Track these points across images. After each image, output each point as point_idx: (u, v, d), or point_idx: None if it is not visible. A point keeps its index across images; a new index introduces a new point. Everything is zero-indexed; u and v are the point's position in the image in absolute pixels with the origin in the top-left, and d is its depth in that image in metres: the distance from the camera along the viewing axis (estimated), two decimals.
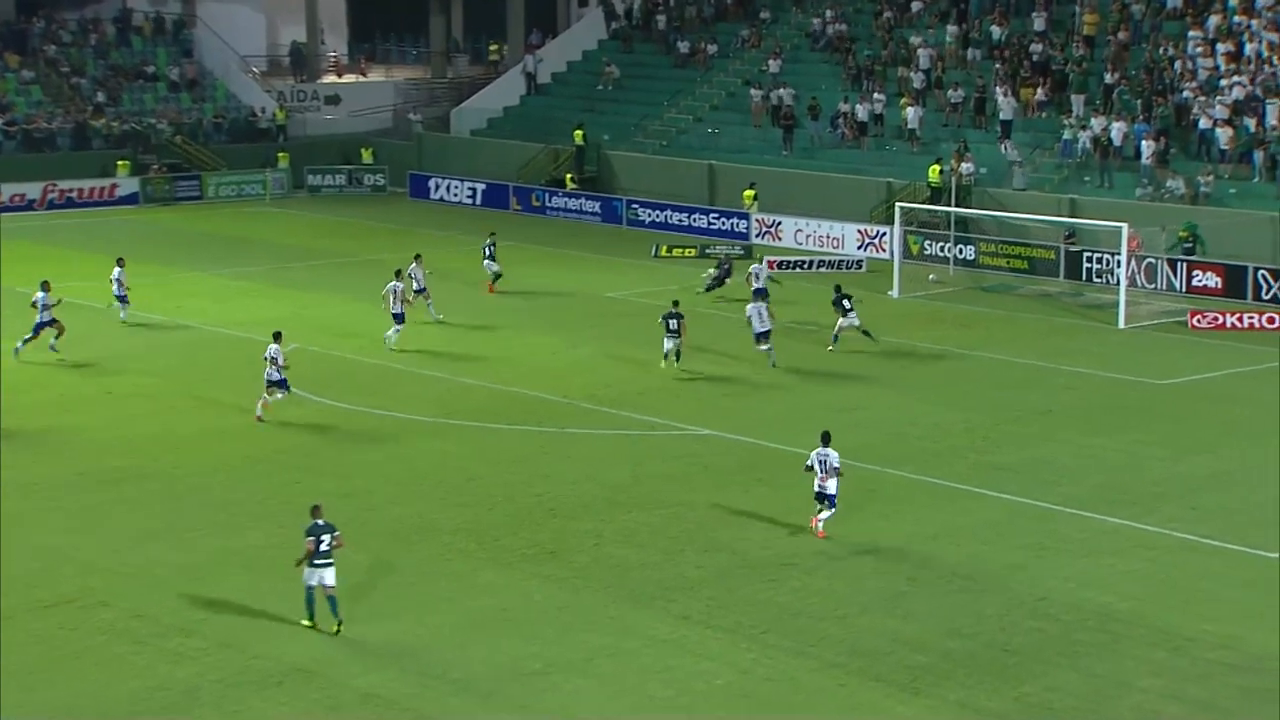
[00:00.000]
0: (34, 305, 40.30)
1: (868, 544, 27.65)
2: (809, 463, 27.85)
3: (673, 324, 39.14)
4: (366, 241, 60.68)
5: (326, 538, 23.77)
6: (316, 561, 23.74)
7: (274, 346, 35.24)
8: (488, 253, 50.00)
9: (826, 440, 27.91)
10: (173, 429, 34.76)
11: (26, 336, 40.35)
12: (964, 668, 22.78)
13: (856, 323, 41.72)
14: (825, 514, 27.81)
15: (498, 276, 49.88)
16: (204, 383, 38.79)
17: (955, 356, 42.35)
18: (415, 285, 43.65)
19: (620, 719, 21.33)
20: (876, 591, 25.60)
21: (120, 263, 45.12)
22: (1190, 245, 50.51)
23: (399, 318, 41.76)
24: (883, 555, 27.15)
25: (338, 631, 23.72)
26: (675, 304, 40.21)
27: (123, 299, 44.63)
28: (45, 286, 40.29)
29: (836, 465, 27.64)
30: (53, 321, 40.05)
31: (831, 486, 27.69)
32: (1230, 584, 26.13)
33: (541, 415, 36.03)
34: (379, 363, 40.95)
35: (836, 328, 41.90)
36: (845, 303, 41.64)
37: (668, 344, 39.35)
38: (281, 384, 35.06)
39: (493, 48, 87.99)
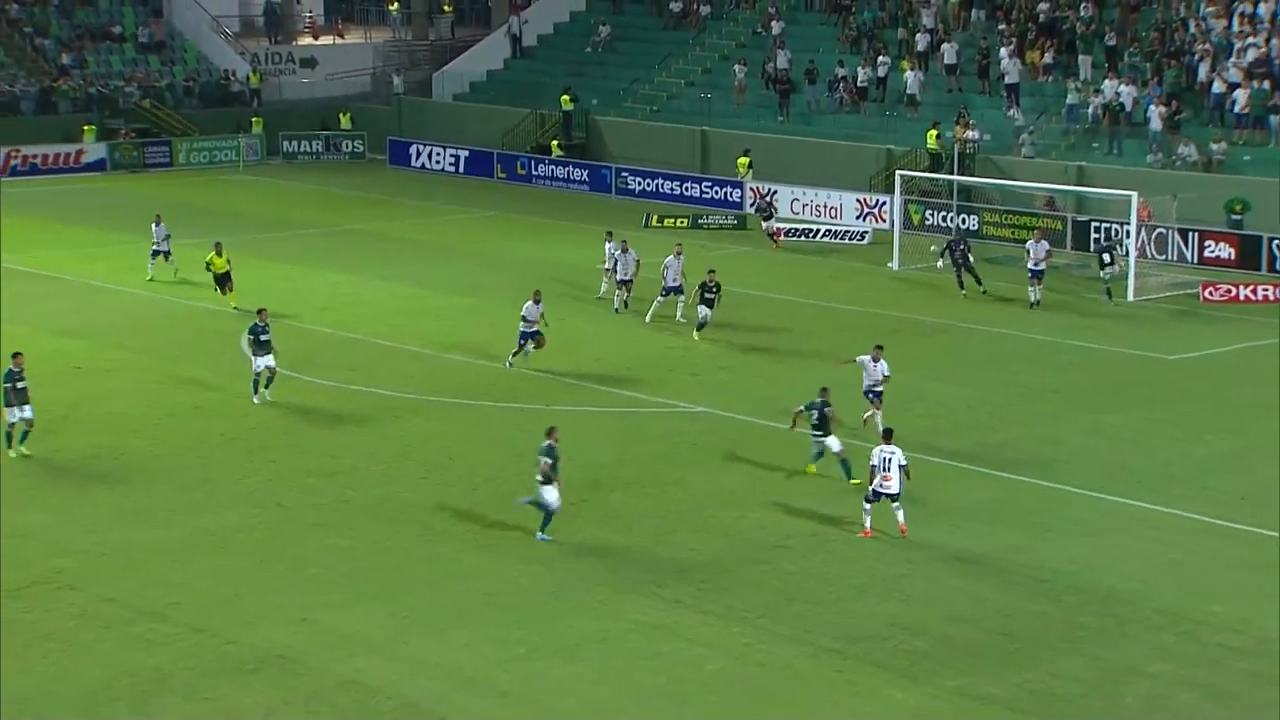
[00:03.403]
0: (524, 319, 37.75)
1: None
2: (873, 463, 27.28)
3: (709, 294, 40.54)
4: (345, 211, 60.65)
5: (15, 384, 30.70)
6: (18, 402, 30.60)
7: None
8: (761, 204, 54.87)
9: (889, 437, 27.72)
10: (148, 406, 34.84)
11: (514, 350, 38.07)
12: (964, 654, 23.01)
13: (1107, 274, 45.29)
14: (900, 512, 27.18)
15: (774, 226, 53.73)
16: (179, 359, 38.88)
17: (959, 330, 42.53)
18: (669, 280, 42.35)
19: (605, 707, 21.56)
20: (873, 574, 25.81)
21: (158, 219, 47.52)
22: (1239, 219, 50.62)
23: (675, 291, 42.23)
24: (879, 537, 27.33)
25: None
26: (711, 273, 41.21)
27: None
28: (537, 297, 37.85)
29: (904, 464, 27.16)
30: (536, 334, 37.79)
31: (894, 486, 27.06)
32: (1240, 566, 26.37)
33: (526, 392, 36.19)
34: (360, 338, 41.06)
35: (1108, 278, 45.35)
36: (1106, 255, 45.40)
37: (703, 311, 40.71)
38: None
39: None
